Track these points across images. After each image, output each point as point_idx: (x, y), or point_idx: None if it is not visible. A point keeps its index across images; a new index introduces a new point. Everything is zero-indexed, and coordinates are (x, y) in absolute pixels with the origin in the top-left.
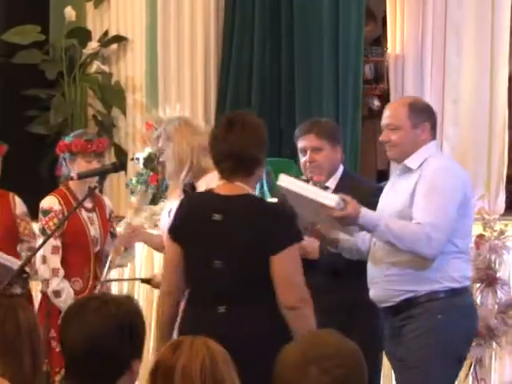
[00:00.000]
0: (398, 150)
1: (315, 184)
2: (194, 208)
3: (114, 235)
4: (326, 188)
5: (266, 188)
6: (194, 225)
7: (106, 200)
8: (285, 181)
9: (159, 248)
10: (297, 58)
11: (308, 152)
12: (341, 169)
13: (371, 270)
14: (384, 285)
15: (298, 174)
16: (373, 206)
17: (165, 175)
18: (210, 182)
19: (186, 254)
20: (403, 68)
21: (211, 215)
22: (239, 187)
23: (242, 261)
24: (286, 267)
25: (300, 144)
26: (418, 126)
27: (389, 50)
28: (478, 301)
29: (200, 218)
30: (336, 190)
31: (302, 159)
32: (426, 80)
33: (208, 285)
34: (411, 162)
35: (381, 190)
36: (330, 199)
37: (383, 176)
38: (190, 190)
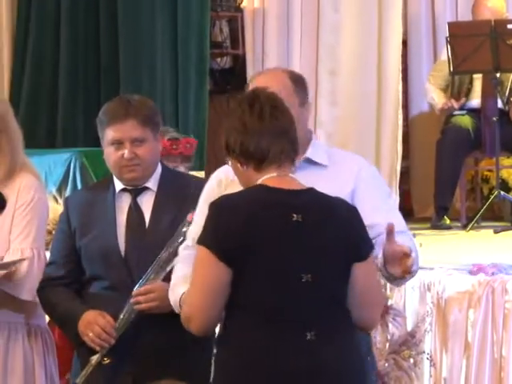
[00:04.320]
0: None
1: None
2: (258, 211)
3: None
4: (146, 189)
5: None
6: (265, 232)
7: None
8: None
9: None
10: (121, 12)
11: (126, 144)
12: (159, 164)
13: None
14: None
15: None
16: None
17: None
18: None
19: (248, 274)
20: (264, 26)
21: (291, 215)
22: (295, 181)
23: (333, 273)
24: (371, 278)
25: (111, 133)
26: (305, 105)
27: (244, 2)
28: None
29: (274, 221)
30: (160, 193)
31: (114, 154)
32: (293, 43)
33: (291, 306)
34: (315, 154)
35: None
36: None
37: None
38: None
